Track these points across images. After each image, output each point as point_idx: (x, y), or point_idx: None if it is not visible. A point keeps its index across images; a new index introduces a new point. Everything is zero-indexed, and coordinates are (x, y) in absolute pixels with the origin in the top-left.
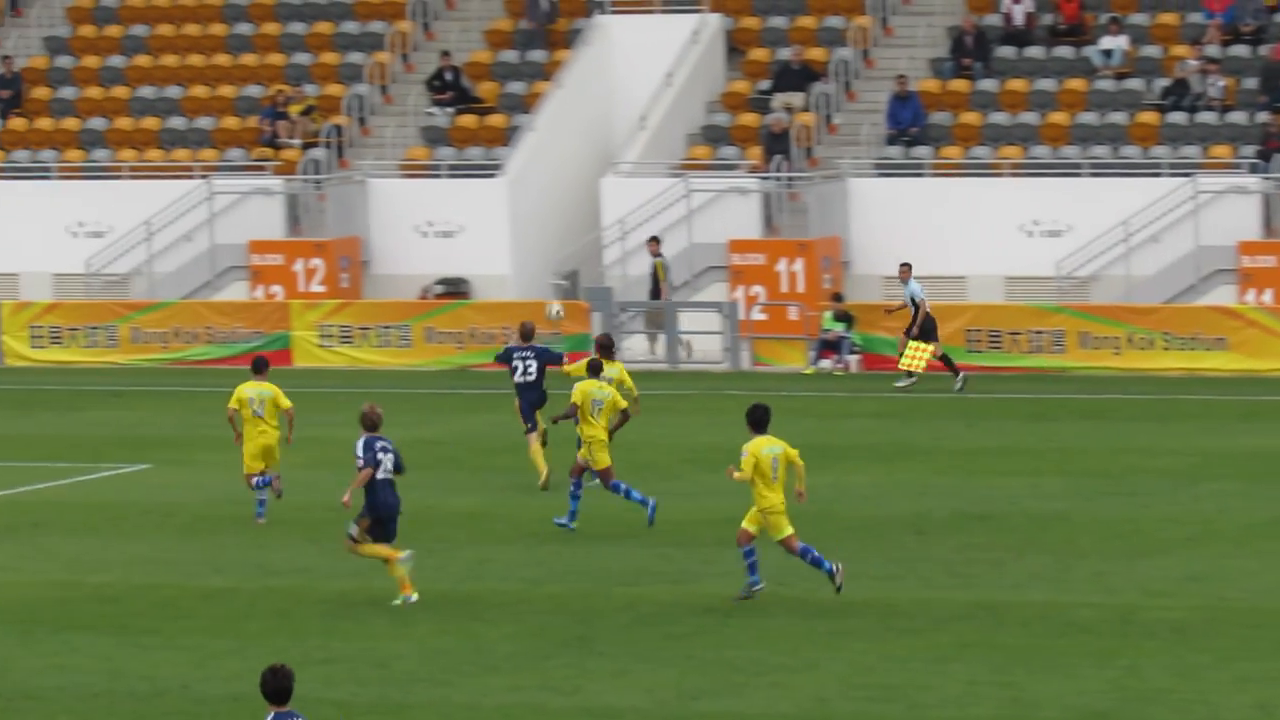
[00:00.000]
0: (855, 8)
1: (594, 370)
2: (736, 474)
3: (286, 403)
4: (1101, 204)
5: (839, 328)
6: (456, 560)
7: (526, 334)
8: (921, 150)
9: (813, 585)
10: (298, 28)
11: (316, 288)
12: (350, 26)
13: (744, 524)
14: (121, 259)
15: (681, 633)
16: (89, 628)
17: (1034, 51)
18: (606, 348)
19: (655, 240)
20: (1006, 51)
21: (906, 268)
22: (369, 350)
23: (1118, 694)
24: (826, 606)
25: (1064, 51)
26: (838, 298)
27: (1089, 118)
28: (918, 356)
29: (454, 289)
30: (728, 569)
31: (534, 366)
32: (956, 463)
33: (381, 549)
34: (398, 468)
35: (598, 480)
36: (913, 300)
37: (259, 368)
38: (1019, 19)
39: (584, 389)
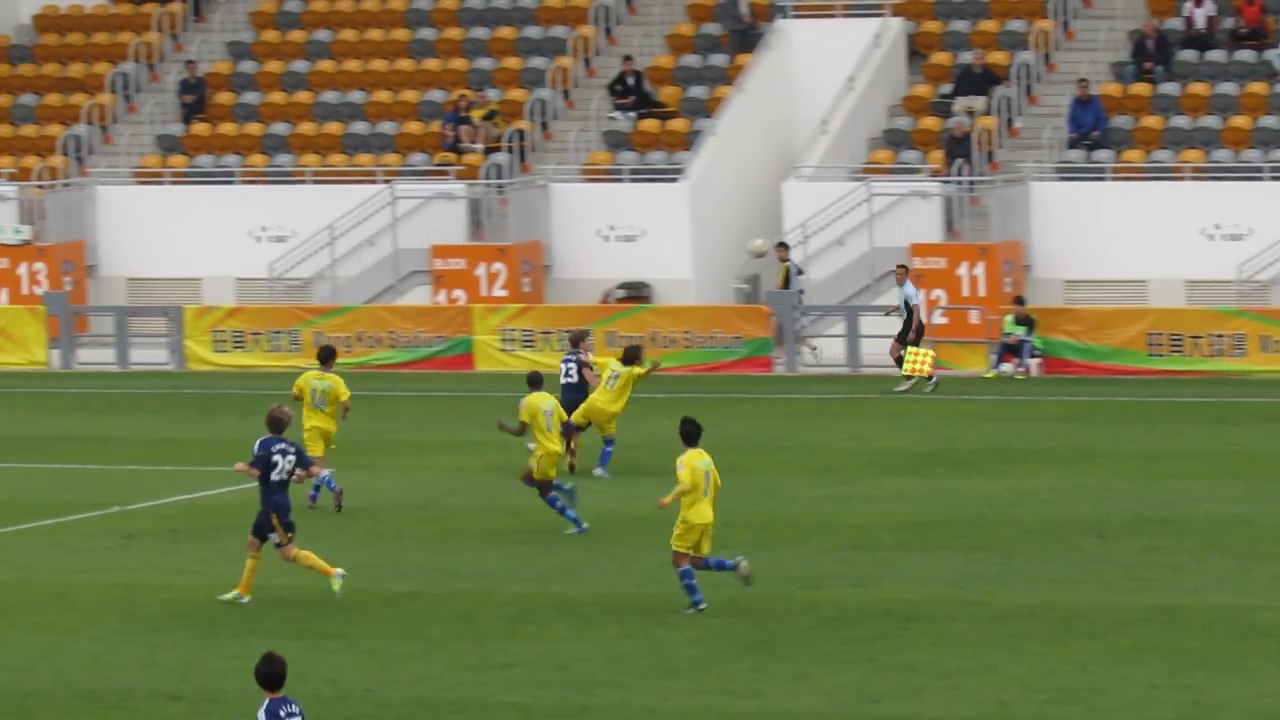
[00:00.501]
0: (1037, 11)
1: (534, 384)
2: (676, 489)
3: (346, 393)
4: None
5: (1020, 331)
6: (638, 564)
7: (576, 339)
8: (1103, 154)
9: (992, 588)
10: (480, 32)
11: (499, 292)
12: (533, 31)
13: (674, 544)
14: (304, 263)
15: (862, 636)
16: (272, 631)
17: (1215, 55)
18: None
19: (784, 246)
20: (1188, 55)
21: (903, 270)
22: (551, 354)
23: None
24: (1006, 610)
25: (1245, 55)
26: (1019, 301)
27: (1271, 121)
28: (920, 361)
29: (635, 293)
30: (910, 573)
31: (575, 370)
32: (1137, 466)
33: (314, 559)
34: (301, 467)
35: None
36: (907, 304)
37: (324, 358)
38: (1200, 22)
39: (532, 404)
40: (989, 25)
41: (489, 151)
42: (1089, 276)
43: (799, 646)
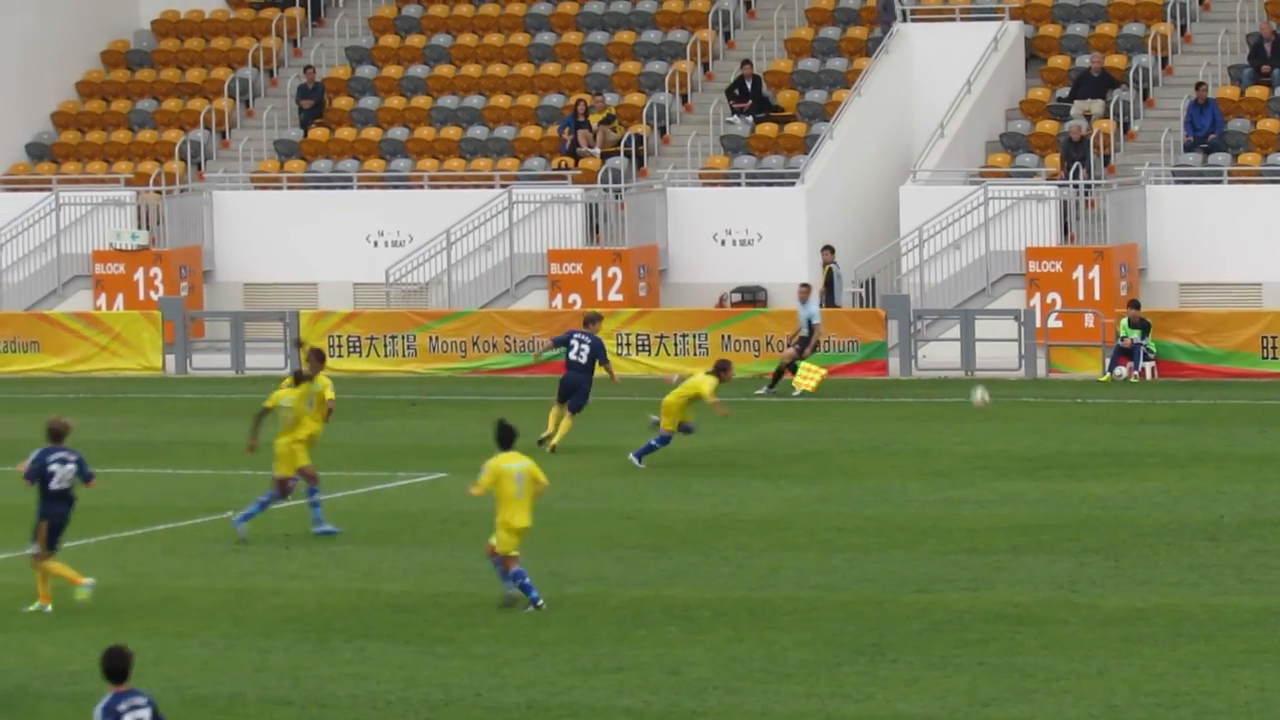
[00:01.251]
0: (1155, 15)
1: (504, 441)
2: (473, 490)
3: (331, 394)
4: None
5: (1135, 335)
6: (751, 568)
7: (589, 320)
8: (1219, 157)
9: (1103, 591)
10: (599, 37)
11: (614, 296)
12: (651, 35)
13: (495, 541)
14: (421, 268)
15: (973, 639)
16: (383, 636)
17: None
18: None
19: (829, 249)
20: None
21: (806, 288)
22: (666, 359)
23: None
24: (1117, 613)
25: None
26: (1134, 304)
27: None
28: (810, 377)
29: (751, 297)
30: (1022, 576)
31: (587, 352)
32: (1250, 469)
33: (63, 570)
34: (84, 478)
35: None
36: (809, 323)
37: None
38: None
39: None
40: (1107, 29)
41: (606, 156)
42: (1204, 280)
43: (910, 650)
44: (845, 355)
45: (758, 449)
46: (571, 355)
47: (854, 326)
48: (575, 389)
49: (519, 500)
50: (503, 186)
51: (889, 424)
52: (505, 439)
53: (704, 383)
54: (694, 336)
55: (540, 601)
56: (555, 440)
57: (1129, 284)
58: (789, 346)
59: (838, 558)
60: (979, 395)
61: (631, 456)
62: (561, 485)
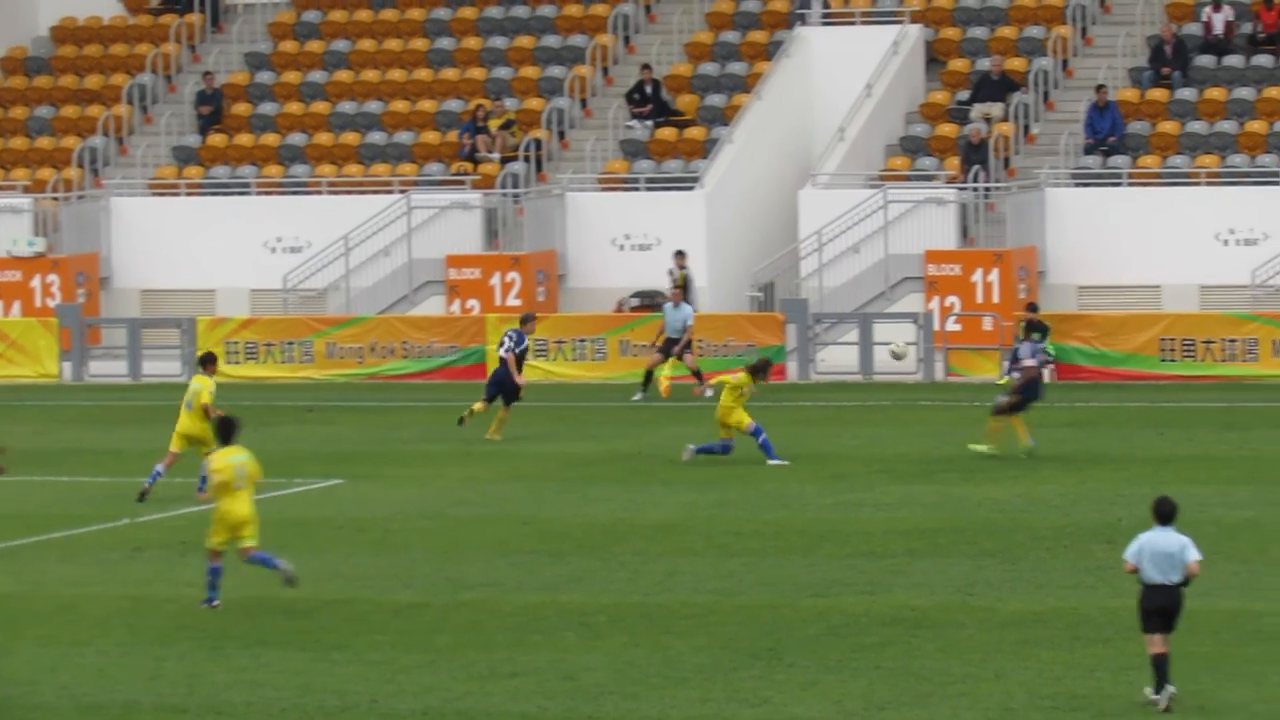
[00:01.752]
0: (1055, 18)
1: (225, 433)
2: (204, 495)
3: (208, 398)
4: None
5: (1034, 338)
6: (647, 573)
7: (525, 319)
8: (1119, 160)
9: (1000, 594)
10: (498, 42)
11: (513, 302)
12: (551, 40)
13: (212, 540)
14: (319, 274)
15: (870, 643)
16: (279, 643)
17: (1233, 60)
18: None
19: (681, 254)
20: (1205, 60)
21: (678, 291)
22: (564, 364)
23: None
24: (1015, 616)
25: (1263, 60)
26: (1033, 308)
27: None
28: (667, 381)
29: (649, 302)
30: (919, 579)
31: (510, 347)
32: (1148, 471)
33: None
34: None
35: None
36: (685, 324)
37: (204, 362)
38: (1218, 28)
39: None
40: (1007, 32)
41: (505, 161)
42: (1103, 282)
43: (807, 654)
44: (743, 359)
45: (655, 454)
46: (502, 352)
47: (752, 330)
48: (502, 384)
49: (240, 491)
50: (401, 192)
51: (787, 428)
52: (227, 433)
53: (743, 379)
54: (592, 341)
55: (217, 603)
56: (494, 433)
57: (1028, 287)
58: (656, 350)
59: (734, 562)
60: (896, 347)
61: (690, 446)
62: (458, 492)
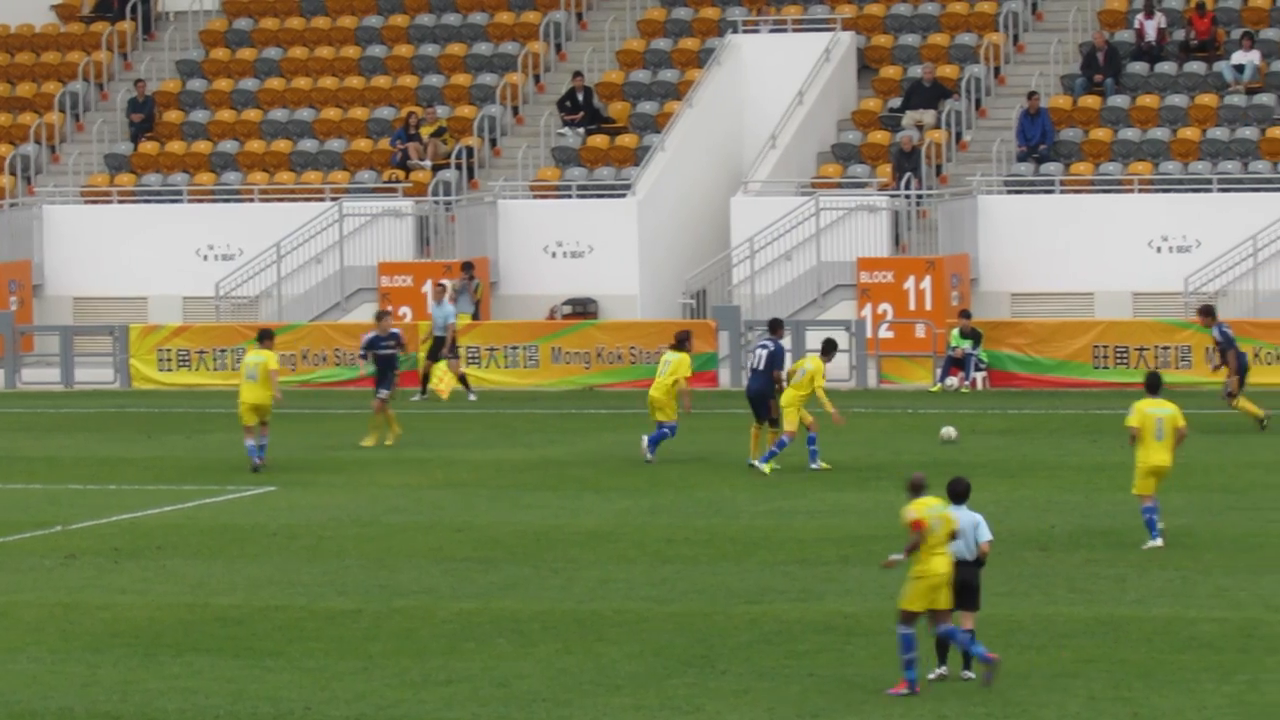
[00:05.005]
0: (987, 25)
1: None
2: None
3: (275, 364)
4: (1230, 219)
5: (966, 345)
6: (580, 580)
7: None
8: (1051, 167)
9: None
10: (430, 49)
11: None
12: (483, 48)
13: None
14: (251, 282)
15: (803, 650)
16: (212, 650)
17: (1165, 67)
18: None
19: (469, 265)
20: (1138, 67)
21: (441, 289)
22: (497, 370)
23: (1239, 709)
24: None
25: (1195, 67)
26: (965, 314)
27: (1219, 133)
28: (444, 380)
29: (581, 309)
30: (851, 586)
31: (763, 360)
32: (1081, 478)
33: None
34: None
35: None
36: (445, 323)
37: (262, 337)
38: (1151, 35)
39: None
40: (939, 39)
41: (437, 168)
42: (1036, 289)
43: (740, 661)
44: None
45: (587, 461)
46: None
47: None
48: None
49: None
50: (333, 199)
51: (718, 435)
52: None
53: (818, 364)
54: (524, 349)
55: None
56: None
57: (960, 294)
58: (447, 353)
59: (667, 569)
60: (948, 432)
61: (760, 464)
62: (391, 499)
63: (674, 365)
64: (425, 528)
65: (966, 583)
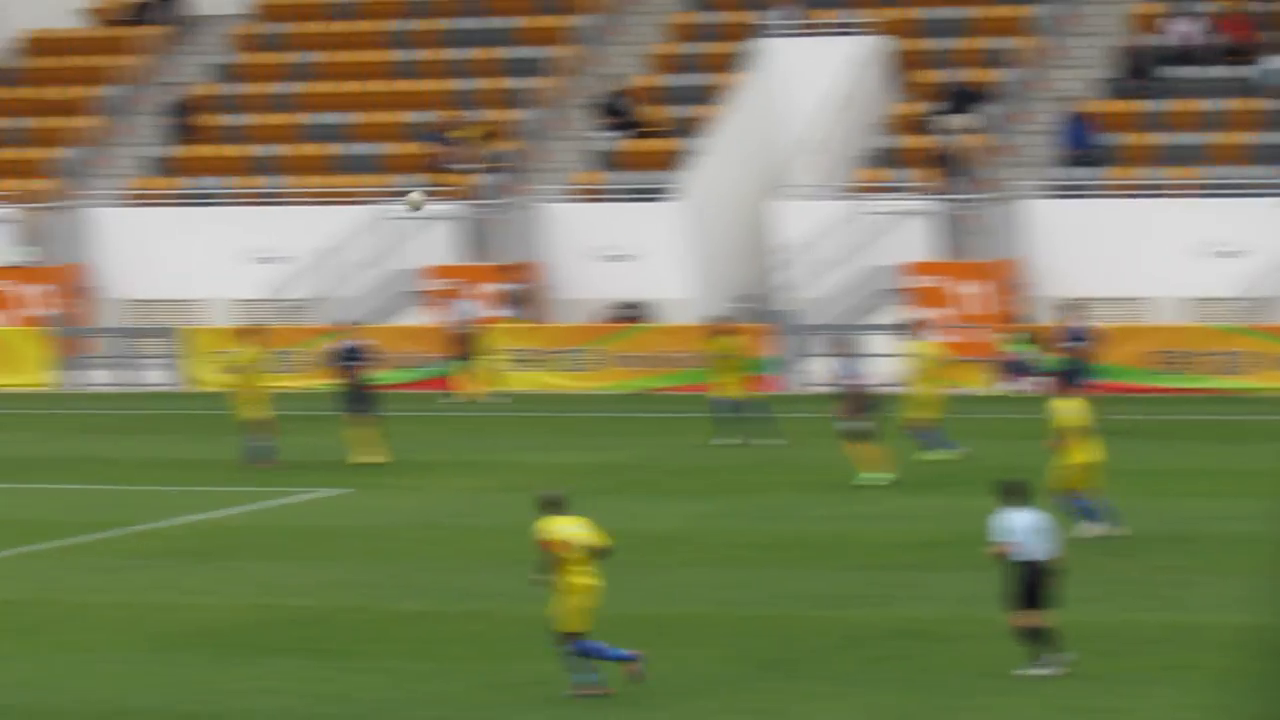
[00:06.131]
0: (1024, 30)
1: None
2: None
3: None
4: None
5: (1016, 350)
6: (652, 584)
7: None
8: (1090, 172)
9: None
10: (468, 53)
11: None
12: (521, 51)
13: None
14: (296, 284)
15: (882, 656)
16: (286, 651)
17: (1209, 71)
18: None
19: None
20: (1180, 71)
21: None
22: (553, 374)
23: None
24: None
25: (1242, 71)
26: (1010, 320)
27: (1253, 138)
28: (467, 382)
29: (629, 313)
30: (927, 592)
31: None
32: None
33: None
34: None
35: None
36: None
37: None
38: (1188, 39)
39: None
40: (974, 43)
41: (477, 172)
42: (1085, 294)
43: (820, 665)
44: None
45: (642, 465)
46: None
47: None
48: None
49: None
50: (379, 201)
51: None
52: None
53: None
54: (575, 353)
55: None
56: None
57: (1003, 299)
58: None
59: (738, 573)
60: (414, 198)
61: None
62: (460, 501)
63: None
64: (494, 531)
65: (1035, 583)
